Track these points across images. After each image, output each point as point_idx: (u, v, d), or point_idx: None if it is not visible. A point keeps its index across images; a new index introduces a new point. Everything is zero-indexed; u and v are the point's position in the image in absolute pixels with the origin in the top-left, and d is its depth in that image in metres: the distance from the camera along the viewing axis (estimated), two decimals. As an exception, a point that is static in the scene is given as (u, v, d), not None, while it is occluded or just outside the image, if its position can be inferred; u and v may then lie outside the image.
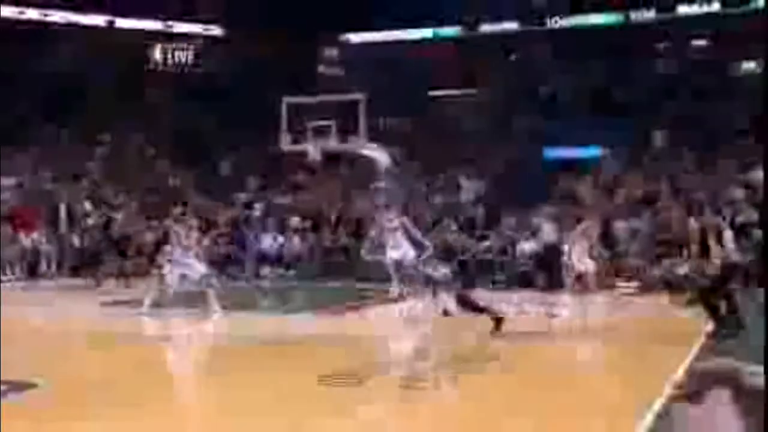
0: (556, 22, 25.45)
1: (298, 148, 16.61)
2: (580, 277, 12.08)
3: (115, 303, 12.57)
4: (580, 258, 12.13)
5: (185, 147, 22.59)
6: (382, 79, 23.36)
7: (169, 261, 11.38)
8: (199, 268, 11.42)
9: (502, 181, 19.53)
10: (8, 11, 24.21)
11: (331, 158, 18.60)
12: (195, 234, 12.31)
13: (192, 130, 23.40)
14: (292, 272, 16.90)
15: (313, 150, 16.62)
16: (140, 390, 6.66)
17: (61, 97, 22.75)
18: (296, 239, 17.58)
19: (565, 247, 12.78)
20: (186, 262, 11.30)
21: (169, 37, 26.48)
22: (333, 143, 16.33)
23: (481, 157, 21.07)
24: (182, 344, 10.09)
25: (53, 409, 6.03)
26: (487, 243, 16.05)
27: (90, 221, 19.00)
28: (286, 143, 16.69)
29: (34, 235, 17.16)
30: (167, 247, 11.76)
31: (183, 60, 26.54)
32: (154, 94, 24.71)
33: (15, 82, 22.28)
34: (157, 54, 26.30)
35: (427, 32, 26.66)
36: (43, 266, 17.03)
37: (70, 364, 7.91)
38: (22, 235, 16.96)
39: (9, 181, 19.29)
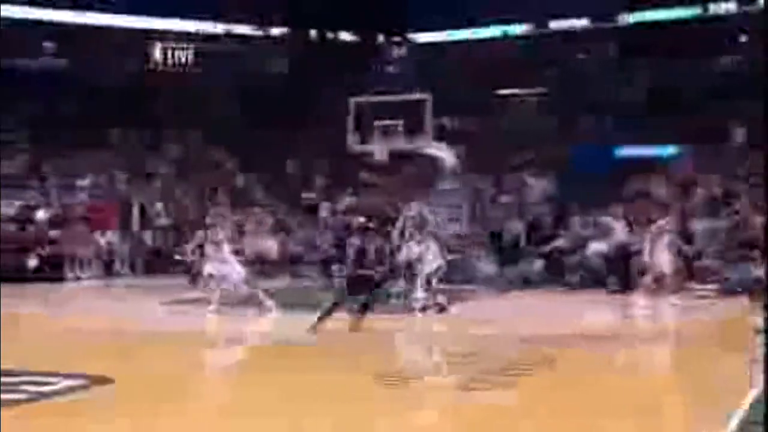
0: (625, 18, 24.94)
1: (366, 148, 16.69)
2: (658, 278, 11.72)
3: (182, 302, 12.81)
4: (658, 257, 11.77)
5: (252, 148, 22.92)
6: (447, 78, 23.29)
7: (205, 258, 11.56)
8: (235, 267, 11.53)
9: (569, 180, 19.23)
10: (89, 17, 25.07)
11: (398, 157, 18.59)
12: (228, 232, 12.46)
13: (258, 132, 23.74)
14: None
15: (379, 150, 16.69)
16: (202, 387, 6.77)
17: (133, 99, 23.37)
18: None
19: (644, 246, 12.39)
20: (221, 260, 11.39)
21: (229, 38, 26.89)
22: (399, 143, 16.36)
23: (548, 156, 20.78)
24: (241, 342, 10.17)
25: (126, 404, 6.16)
26: (556, 243, 15.84)
27: (162, 221, 19.53)
28: (353, 143, 16.80)
29: (109, 234, 17.65)
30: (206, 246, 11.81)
31: (246, 62, 26.89)
32: (218, 96, 25.15)
33: (89, 85, 23.02)
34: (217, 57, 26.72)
35: (494, 31, 26.47)
36: (117, 265, 17.51)
37: (141, 360, 8.08)
38: (97, 234, 17.47)
39: (84, 182, 19.91)
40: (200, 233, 12.22)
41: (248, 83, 25.43)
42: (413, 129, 16.12)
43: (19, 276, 15.30)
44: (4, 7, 22.75)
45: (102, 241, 17.44)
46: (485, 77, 25.01)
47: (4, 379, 6.48)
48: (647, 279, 11.99)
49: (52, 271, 16.16)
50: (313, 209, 19.73)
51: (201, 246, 11.98)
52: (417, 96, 16.78)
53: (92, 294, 15.24)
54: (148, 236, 18.73)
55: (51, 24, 24.73)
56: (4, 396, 6.05)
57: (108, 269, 17.21)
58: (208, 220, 13.13)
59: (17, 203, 17.51)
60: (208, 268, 11.48)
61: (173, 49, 25.75)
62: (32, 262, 16.10)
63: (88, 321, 11.36)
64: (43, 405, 6.06)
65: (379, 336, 9.65)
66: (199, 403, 6.50)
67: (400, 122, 16.13)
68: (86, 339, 9.45)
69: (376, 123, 16.55)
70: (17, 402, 5.99)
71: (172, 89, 24.46)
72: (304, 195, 20.67)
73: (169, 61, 25.66)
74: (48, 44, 24.17)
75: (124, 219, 18.93)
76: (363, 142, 16.77)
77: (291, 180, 22.20)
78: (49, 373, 6.83)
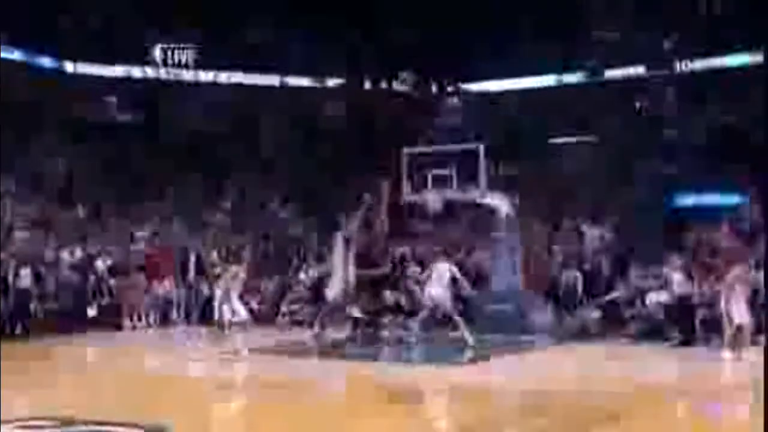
0: (686, 65, 24.79)
1: (418, 197, 16.78)
2: (737, 330, 11.30)
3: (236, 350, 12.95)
4: (737, 308, 11.35)
5: (305, 197, 23.29)
6: (501, 128, 23.41)
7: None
8: (241, 311, 12.04)
9: (627, 229, 19.00)
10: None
11: (452, 207, 18.67)
12: (239, 277, 12.95)
13: (310, 181, 24.14)
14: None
15: (433, 199, 16.76)
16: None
17: (189, 149, 24.07)
18: (416, 289, 17.63)
19: (721, 297, 12.01)
20: (229, 304, 11.87)
21: (284, 90, 27.52)
22: (452, 192, 16.41)
23: (606, 204, 20.61)
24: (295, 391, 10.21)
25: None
26: (614, 293, 15.59)
27: (216, 270, 19.86)
28: (406, 192, 16.91)
29: (166, 283, 18.02)
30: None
31: (303, 112, 27.43)
32: (272, 146, 25.68)
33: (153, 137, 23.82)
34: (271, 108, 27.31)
35: (548, 79, 26.59)
36: (174, 314, 17.83)
37: (196, 409, 8.17)
38: (155, 284, 17.85)
39: (143, 232, 20.44)
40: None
41: (305, 133, 25.98)
42: (467, 178, 16.19)
43: (79, 324, 15.72)
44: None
45: (159, 289, 17.81)
46: (540, 126, 25.07)
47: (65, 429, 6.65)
48: (728, 332, 11.51)
49: (110, 318, 16.53)
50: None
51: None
52: (471, 145, 16.89)
53: (149, 342, 15.52)
54: (204, 285, 19.05)
55: (120, 79, 25.78)
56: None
57: (164, 318, 17.53)
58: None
59: (78, 252, 18.02)
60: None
61: (229, 103, 26.45)
62: (92, 311, 16.51)
63: (146, 369, 11.59)
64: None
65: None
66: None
67: (454, 172, 16.21)
68: (143, 388, 9.63)
69: (430, 172, 16.65)
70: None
71: (230, 140, 25.11)
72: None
73: (225, 113, 26.34)
74: (113, 98, 25.15)
75: (181, 268, 19.32)
76: (416, 191, 16.86)
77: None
78: (102, 422, 6.96)
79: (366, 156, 23.91)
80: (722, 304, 11.68)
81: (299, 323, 16.40)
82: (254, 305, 17.99)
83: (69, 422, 6.92)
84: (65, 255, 17.64)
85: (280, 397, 8.92)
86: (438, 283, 13.59)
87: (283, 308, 17.58)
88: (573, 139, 24.91)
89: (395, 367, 11.95)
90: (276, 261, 19.66)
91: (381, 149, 21.24)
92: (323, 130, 26.84)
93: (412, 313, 15.21)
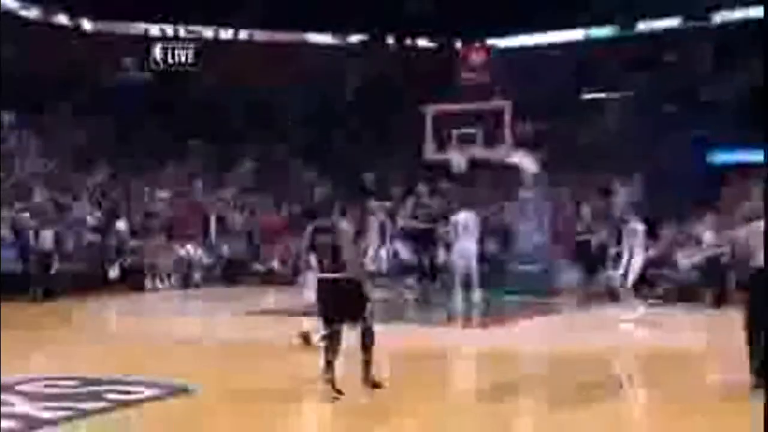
0: (723, 17, 24.26)
1: (443, 157, 16.69)
2: None
3: (262, 312, 13.12)
4: None
5: (327, 158, 23.26)
6: (528, 83, 23.13)
7: None
8: None
9: (658, 186, 18.80)
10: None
11: (477, 166, 18.57)
12: None
13: (333, 141, 24.10)
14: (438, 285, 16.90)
15: (457, 159, 16.67)
16: (286, 399, 6.87)
17: (211, 108, 24.09)
18: (441, 249, 17.64)
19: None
20: None
21: (306, 47, 27.35)
22: (478, 151, 16.31)
23: (636, 161, 20.39)
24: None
25: (203, 415, 6.34)
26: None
27: (237, 230, 20.08)
28: (430, 152, 16.84)
29: (188, 245, 18.19)
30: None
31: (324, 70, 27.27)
32: (296, 106, 25.62)
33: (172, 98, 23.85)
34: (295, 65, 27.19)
35: (576, 34, 26.17)
36: (196, 275, 18.01)
37: (220, 371, 8.28)
38: (177, 246, 18.02)
39: (164, 194, 20.59)
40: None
41: (327, 93, 25.86)
42: (492, 137, 16.08)
43: (100, 285, 15.93)
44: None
45: (181, 251, 17.98)
46: (569, 82, 24.74)
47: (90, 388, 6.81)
48: None
49: (133, 280, 16.73)
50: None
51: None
52: (496, 103, 16.74)
53: (173, 303, 15.72)
54: (225, 246, 19.23)
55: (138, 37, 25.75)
56: (90, 404, 6.35)
57: (186, 280, 17.72)
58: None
59: (99, 213, 18.21)
60: None
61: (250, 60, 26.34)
62: (113, 272, 16.69)
63: (171, 330, 11.77)
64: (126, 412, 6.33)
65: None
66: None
67: (479, 130, 16.09)
68: (170, 348, 9.77)
69: (455, 131, 16.54)
70: (103, 410, 6.27)
71: (251, 99, 25.07)
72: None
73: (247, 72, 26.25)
74: (130, 58, 25.14)
75: (203, 230, 19.49)
76: (441, 151, 16.77)
77: (369, 191, 22.40)
78: (131, 382, 7.10)
79: (389, 114, 23.82)
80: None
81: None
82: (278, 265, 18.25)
83: (95, 381, 7.07)
84: (86, 216, 17.84)
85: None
86: (465, 236, 13.46)
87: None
88: (603, 95, 24.58)
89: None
90: (302, 221, 19.71)
91: (405, 108, 21.13)
92: (346, 89, 26.72)
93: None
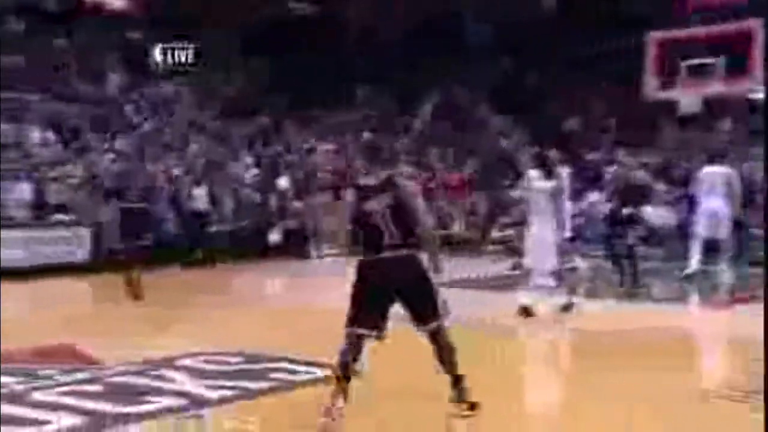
0: None
1: (670, 96, 15.99)
2: None
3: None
4: None
5: (521, 103, 22.71)
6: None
7: None
8: None
9: None
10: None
11: (715, 107, 17.42)
12: None
13: (527, 81, 23.52)
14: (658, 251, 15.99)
15: (688, 98, 15.86)
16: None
17: (377, 47, 24.15)
18: (660, 211, 16.83)
19: None
20: None
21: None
22: (717, 87, 15.43)
23: None
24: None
25: (378, 399, 6.11)
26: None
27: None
28: (653, 90, 16.14)
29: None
30: None
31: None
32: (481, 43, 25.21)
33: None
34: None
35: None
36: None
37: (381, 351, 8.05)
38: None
39: (329, 146, 20.86)
40: None
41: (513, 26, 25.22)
42: (737, 68, 15.17)
43: (261, 251, 16.21)
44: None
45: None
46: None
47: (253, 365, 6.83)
48: None
49: (295, 246, 16.87)
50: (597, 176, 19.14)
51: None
52: (742, 24, 15.70)
53: (340, 272, 15.80)
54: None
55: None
56: (255, 384, 6.36)
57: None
58: None
59: (256, 170, 18.60)
60: None
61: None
62: (274, 237, 16.77)
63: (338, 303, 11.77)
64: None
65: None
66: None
67: (719, 60, 15.24)
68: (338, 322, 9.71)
69: (684, 63, 15.81)
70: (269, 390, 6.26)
71: (430, 41, 24.87)
72: (588, 158, 20.10)
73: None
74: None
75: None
76: (666, 88, 16.07)
77: (571, 140, 21.69)
78: (288, 359, 7.02)
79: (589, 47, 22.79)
80: None
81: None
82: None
83: (254, 359, 7.11)
84: (243, 172, 18.31)
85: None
86: (713, 196, 11.88)
87: (494, 234, 17.48)
88: None
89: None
90: (488, 177, 19.52)
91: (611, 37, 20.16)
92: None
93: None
